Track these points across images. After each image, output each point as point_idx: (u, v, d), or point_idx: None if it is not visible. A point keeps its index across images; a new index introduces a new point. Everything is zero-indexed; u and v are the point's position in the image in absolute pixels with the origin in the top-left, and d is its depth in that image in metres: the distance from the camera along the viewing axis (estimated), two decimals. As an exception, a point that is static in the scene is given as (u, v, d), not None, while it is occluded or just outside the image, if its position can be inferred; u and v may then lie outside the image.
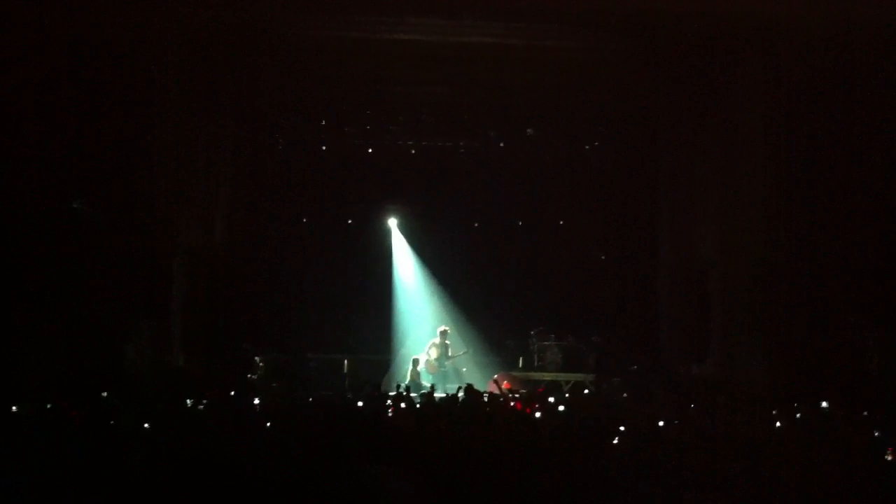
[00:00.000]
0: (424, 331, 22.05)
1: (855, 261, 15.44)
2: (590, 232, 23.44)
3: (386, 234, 23.47)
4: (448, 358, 20.99)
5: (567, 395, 16.56)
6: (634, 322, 21.21)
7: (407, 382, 18.90)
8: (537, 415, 11.98)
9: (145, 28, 15.49)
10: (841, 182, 15.65)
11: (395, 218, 23.49)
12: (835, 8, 15.04)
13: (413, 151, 22.97)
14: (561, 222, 23.71)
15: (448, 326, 21.54)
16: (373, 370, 20.55)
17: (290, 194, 22.96)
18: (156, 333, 16.32)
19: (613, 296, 22.28)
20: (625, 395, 15.95)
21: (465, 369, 20.92)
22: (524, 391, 16.83)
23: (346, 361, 20.94)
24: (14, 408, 10.98)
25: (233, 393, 15.00)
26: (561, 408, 12.98)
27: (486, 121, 22.37)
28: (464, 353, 21.23)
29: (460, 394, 14.05)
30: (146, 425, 10.01)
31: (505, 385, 19.16)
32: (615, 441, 9.76)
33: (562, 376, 20.19)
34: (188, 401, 12.69)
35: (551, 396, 14.82)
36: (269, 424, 10.62)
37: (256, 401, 13.48)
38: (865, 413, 11.62)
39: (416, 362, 20.75)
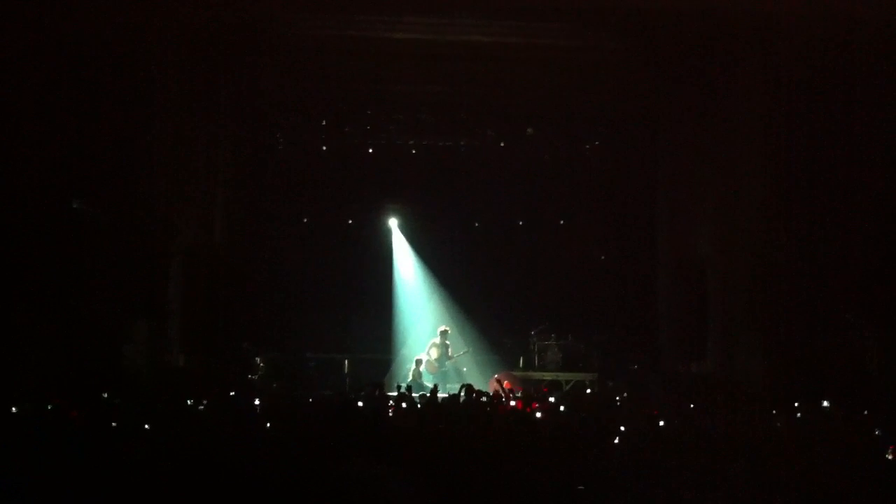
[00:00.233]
0: (425, 330, 22.05)
1: (854, 260, 15.43)
2: (590, 231, 23.41)
3: (386, 234, 23.45)
4: (448, 358, 20.99)
5: (568, 394, 16.57)
6: (634, 321, 21.19)
7: (408, 382, 18.89)
8: (538, 415, 11.95)
9: (145, 27, 15.48)
10: (841, 182, 15.63)
11: (396, 218, 23.46)
12: (835, 8, 15.03)
13: (414, 151, 22.95)
14: (561, 222, 23.68)
15: (448, 326, 21.55)
16: (373, 370, 20.56)
17: (290, 194, 22.93)
18: (154, 333, 16.31)
19: (613, 295, 22.25)
20: (625, 394, 15.93)
21: (465, 369, 20.93)
22: (525, 391, 16.82)
23: (346, 361, 20.95)
24: (14, 409, 10.96)
25: (233, 393, 15.01)
26: (562, 408, 12.96)
27: (487, 120, 22.35)
28: (464, 353, 21.23)
29: (462, 393, 14.07)
30: (146, 425, 10.01)
31: (506, 385, 19.17)
32: (615, 441, 9.74)
33: (562, 376, 20.18)
34: (189, 401, 12.68)
35: (552, 396, 14.82)
36: (269, 425, 10.60)
37: (257, 401, 13.46)
38: (865, 412, 11.61)
39: (418, 362, 20.75)
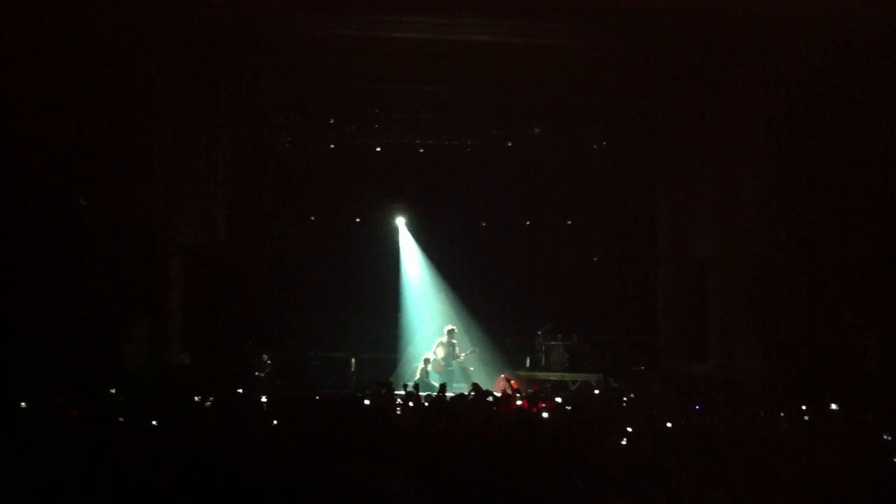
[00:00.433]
0: (431, 330, 22.04)
1: (854, 260, 15.38)
2: (595, 232, 23.35)
3: (393, 233, 23.45)
4: (455, 357, 21.00)
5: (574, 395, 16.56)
6: (638, 322, 21.12)
7: (416, 381, 18.90)
8: (544, 415, 11.94)
9: (146, 27, 15.48)
10: (841, 182, 15.58)
11: (403, 217, 23.47)
12: (835, 8, 14.98)
13: (420, 150, 22.96)
14: (568, 222, 23.64)
15: (455, 325, 21.55)
16: (380, 369, 20.57)
17: (296, 193, 22.93)
18: (156, 333, 16.35)
19: (616, 295, 22.17)
20: (631, 395, 15.91)
21: (472, 368, 20.91)
22: (531, 391, 16.82)
23: (353, 360, 20.96)
24: (23, 404, 11.01)
25: (240, 391, 15.05)
26: (568, 407, 12.95)
27: (492, 120, 22.34)
28: (471, 353, 21.23)
29: (471, 393, 14.08)
30: (147, 423, 10.05)
31: (513, 384, 19.18)
32: (616, 440, 9.74)
33: (568, 376, 20.11)
34: (195, 398, 12.72)
35: (558, 396, 14.81)
36: (275, 423, 10.63)
37: (264, 399, 13.49)
38: (867, 413, 11.58)
39: (426, 361, 20.76)
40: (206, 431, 10.19)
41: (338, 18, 17.10)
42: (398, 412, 12.51)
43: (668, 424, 10.94)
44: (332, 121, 22.46)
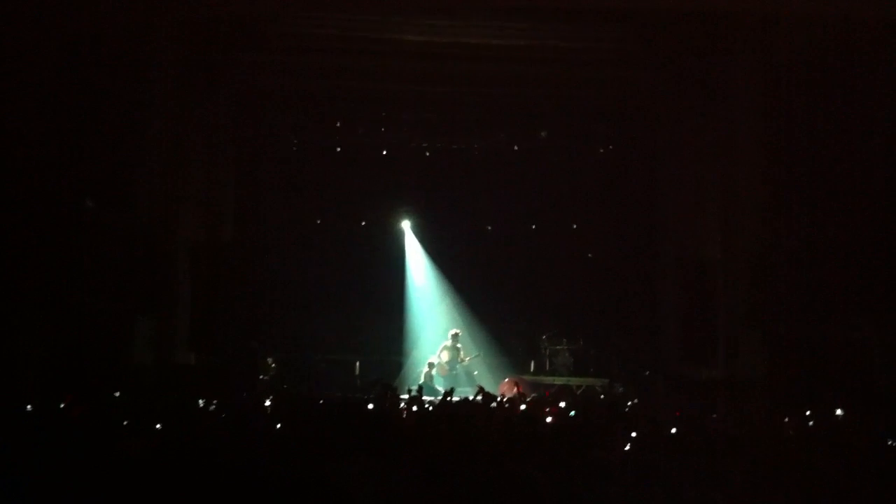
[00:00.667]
0: (436, 333, 22.03)
1: (856, 260, 15.34)
2: (600, 235, 23.29)
3: (399, 236, 23.45)
4: (459, 361, 20.98)
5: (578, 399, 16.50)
6: (644, 325, 21.08)
7: (420, 384, 18.88)
8: (549, 419, 11.90)
9: (148, 26, 15.49)
10: (842, 182, 15.55)
11: (408, 220, 23.46)
12: (835, 8, 14.95)
13: (426, 154, 22.95)
14: (574, 226, 23.60)
15: (460, 329, 21.53)
16: (385, 372, 20.54)
17: (302, 196, 22.96)
18: (162, 332, 16.35)
19: (621, 299, 22.12)
20: (636, 400, 15.87)
21: (476, 372, 20.90)
22: (535, 395, 16.79)
23: (357, 363, 20.94)
24: (28, 407, 11.01)
25: (245, 394, 15.05)
26: (572, 413, 12.91)
27: (498, 123, 22.34)
28: (475, 357, 21.21)
29: (478, 397, 14.06)
30: (150, 423, 10.04)
31: (517, 388, 19.15)
32: (618, 443, 9.72)
33: (573, 380, 20.07)
34: (199, 401, 12.71)
35: (562, 401, 14.77)
36: (279, 426, 10.61)
37: (268, 402, 13.47)
38: (871, 414, 11.55)
39: (430, 365, 20.74)
40: (208, 433, 10.18)
41: (344, 20, 17.13)
42: (404, 416, 12.50)
43: (673, 431, 10.89)
44: (337, 123, 22.47)
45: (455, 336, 21.21)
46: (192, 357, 17.47)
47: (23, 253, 13.56)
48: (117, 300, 15.12)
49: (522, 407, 13.63)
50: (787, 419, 11.95)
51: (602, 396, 18.03)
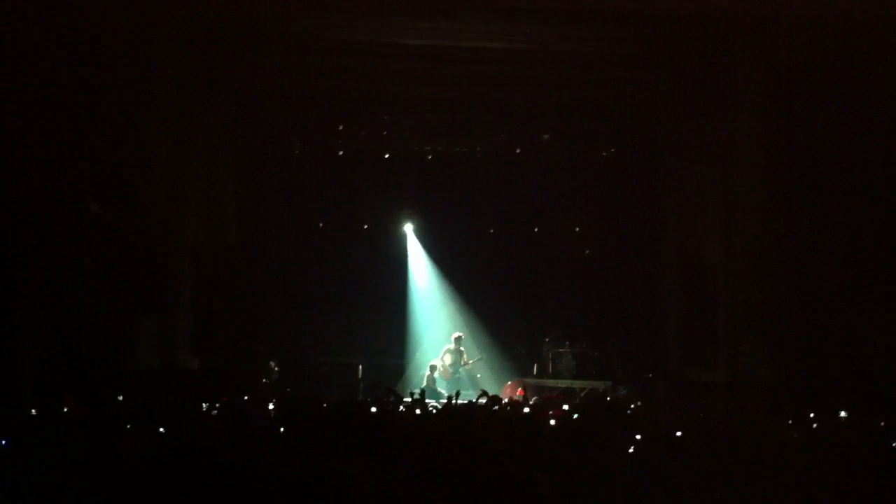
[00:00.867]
0: (439, 336, 22.03)
1: (856, 260, 15.34)
2: (603, 238, 23.27)
3: (401, 239, 23.46)
4: (462, 364, 20.98)
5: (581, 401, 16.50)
6: (643, 328, 21.05)
7: (422, 387, 18.90)
8: (552, 422, 11.90)
9: (148, 26, 15.49)
10: (841, 182, 15.55)
11: (411, 223, 23.46)
12: (835, 8, 14.96)
13: (429, 156, 22.97)
14: (577, 229, 23.59)
15: (462, 332, 21.53)
16: (387, 375, 20.53)
17: (305, 199, 22.98)
18: (164, 336, 16.35)
19: (623, 302, 22.10)
20: (639, 403, 15.86)
21: (479, 375, 20.91)
22: (537, 398, 16.78)
23: (360, 366, 20.94)
24: (33, 411, 11.02)
25: (245, 398, 15.04)
26: (575, 416, 12.90)
27: (500, 125, 22.34)
28: (478, 360, 21.21)
29: (482, 400, 14.06)
30: (152, 426, 10.04)
31: (519, 392, 19.14)
32: (620, 444, 9.71)
33: (576, 383, 20.02)
34: (202, 405, 12.71)
35: (566, 404, 14.76)
36: (282, 430, 10.62)
37: (271, 405, 13.47)
38: (875, 420, 11.53)
39: (433, 368, 20.74)
40: (210, 436, 10.18)
41: (346, 21, 17.14)
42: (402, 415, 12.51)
43: (679, 434, 10.87)
44: (340, 126, 22.49)
45: (458, 339, 21.21)
46: (194, 359, 17.45)
47: (24, 254, 13.57)
48: (118, 302, 15.11)
49: (526, 410, 13.64)
50: (790, 421, 11.95)
51: (608, 399, 18.00)
